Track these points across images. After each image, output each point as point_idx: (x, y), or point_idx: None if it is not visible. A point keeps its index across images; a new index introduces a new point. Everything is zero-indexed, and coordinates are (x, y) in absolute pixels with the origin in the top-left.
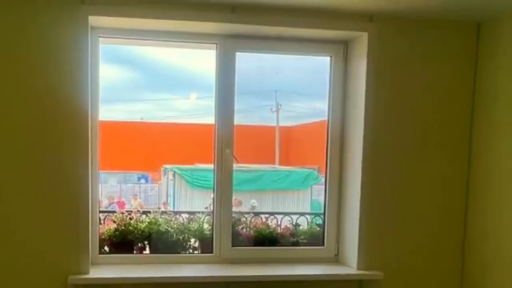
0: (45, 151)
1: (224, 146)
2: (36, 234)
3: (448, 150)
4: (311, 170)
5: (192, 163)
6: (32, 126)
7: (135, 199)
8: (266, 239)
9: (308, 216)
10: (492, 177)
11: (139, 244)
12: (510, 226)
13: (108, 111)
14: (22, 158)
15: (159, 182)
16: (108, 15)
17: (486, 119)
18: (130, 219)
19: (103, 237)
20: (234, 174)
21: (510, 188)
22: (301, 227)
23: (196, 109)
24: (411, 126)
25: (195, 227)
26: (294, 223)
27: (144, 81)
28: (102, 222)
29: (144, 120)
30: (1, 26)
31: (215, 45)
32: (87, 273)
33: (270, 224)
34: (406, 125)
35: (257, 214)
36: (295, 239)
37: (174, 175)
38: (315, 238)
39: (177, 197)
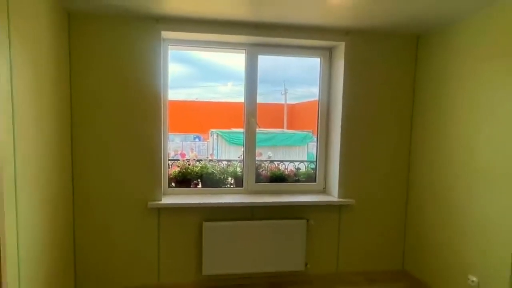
0: (134, 120)
1: (250, 116)
2: (129, 174)
3: (397, 120)
4: (307, 133)
5: (229, 128)
6: (126, 104)
7: (192, 151)
8: (278, 178)
9: (305, 163)
10: (425, 138)
11: (194, 181)
12: (438, 169)
13: (174, 94)
14: (120, 125)
15: (208, 140)
16: (174, 31)
17: (422, 101)
18: (189, 164)
19: (170, 176)
20: (257, 135)
21: (438, 143)
22: (301, 170)
23: (232, 92)
24: (372, 104)
25: (231, 170)
26: (296, 167)
27: (198, 74)
28: (170, 166)
29: (198, 100)
30: (105, 40)
31: (244, 51)
32: (160, 200)
33: (280, 168)
34: (369, 104)
35: (272, 161)
36: (297, 178)
37: (217, 136)
38: (310, 177)
39: (220, 150)
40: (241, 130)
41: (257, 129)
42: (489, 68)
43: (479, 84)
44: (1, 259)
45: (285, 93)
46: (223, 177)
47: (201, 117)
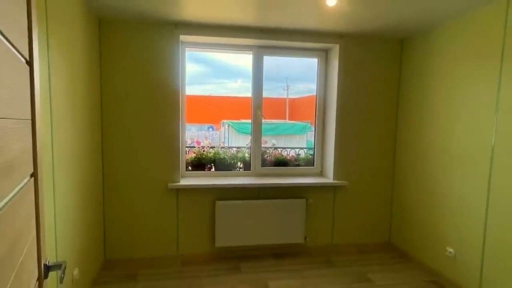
0: (156, 113)
1: (257, 109)
2: (151, 160)
3: (384, 112)
4: (306, 123)
5: (239, 119)
6: (149, 99)
7: (206, 139)
8: (281, 162)
9: (305, 150)
10: (409, 129)
11: (208, 165)
12: (419, 155)
13: (191, 90)
14: (144, 117)
15: (220, 130)
16: (191, 35)
17: (405, 96)
18: (203, 151)
19: (187, 161)
20: (262, 125)
21: (420, 132)
22: (300, 156)
23: (241, 88)
24: (363, 98)
25: (241, 156)
26: (297, 153)
27: (211, 72)
28: (187, 152)
29: (211, 95)
30: (131, 44)
31: (251, 52)
32: (179, 182)
33: (283, 154)
34: (360, 98)
35: (275, 148)
36: (297, 163)
37: (228, 126)
38: (309, 162)
39: (230, 139)
40: (249, 121)
41: (262, 120)
42: (464, 67)
43: (455, 81)
44: (40, 233)
45: (287, 89)
46: (233, 162)
47: (214, 109)
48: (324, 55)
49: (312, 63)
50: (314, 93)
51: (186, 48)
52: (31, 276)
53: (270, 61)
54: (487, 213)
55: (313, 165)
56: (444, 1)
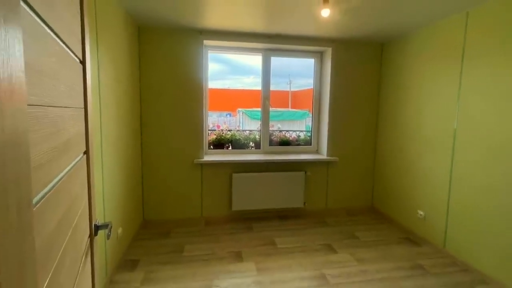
0: (184, 103)
1: (265, 99)
2: (180, 140)
3: (368, 103)
4: (305, 111)
5: (251, 107)
6: (179, 92)
7: (225, 124)
8: (285, 142)
9: (304, 132)
10: (387, 115)
11: (226, 145)
12: (396, 137)
13: (212, 84)
14: (175, 106)
15: (236, 116)
16: (213, 40)
17: (385, 90)
18: (222, 133)
19: (209, 141)
20: (270, 113)
21: (396, 119)
22: (300, 137)
23: (253, 83)
24: (350, 92)
25: (252, 137)
26: (297, 135)
27: (229, 70)
28: (209, 135)
29: (229, 88)
30: (164, 47)
31: (261, 53)
32: (203, 158)
33: (286, 135)
34: (348, 91)
35: (280, 131)
36: (298, 142)
37: (242, 113)
38: (307, 142)
39: (244, 123)
40: (259, 109)
41: (270, 108)
42: (432, 66)
43: (424, 78)
44: (91, 199)
45: (290, 83)
46: (246, 142)
47: (231, 100)
48: (320, 56)
49: (310, 62)
50: (312, 87)
51: (209, 51)
52: (84, 234)
53: (276, 61)
54: (451, 183)
55: (311, 145)
56: (415, 13)
